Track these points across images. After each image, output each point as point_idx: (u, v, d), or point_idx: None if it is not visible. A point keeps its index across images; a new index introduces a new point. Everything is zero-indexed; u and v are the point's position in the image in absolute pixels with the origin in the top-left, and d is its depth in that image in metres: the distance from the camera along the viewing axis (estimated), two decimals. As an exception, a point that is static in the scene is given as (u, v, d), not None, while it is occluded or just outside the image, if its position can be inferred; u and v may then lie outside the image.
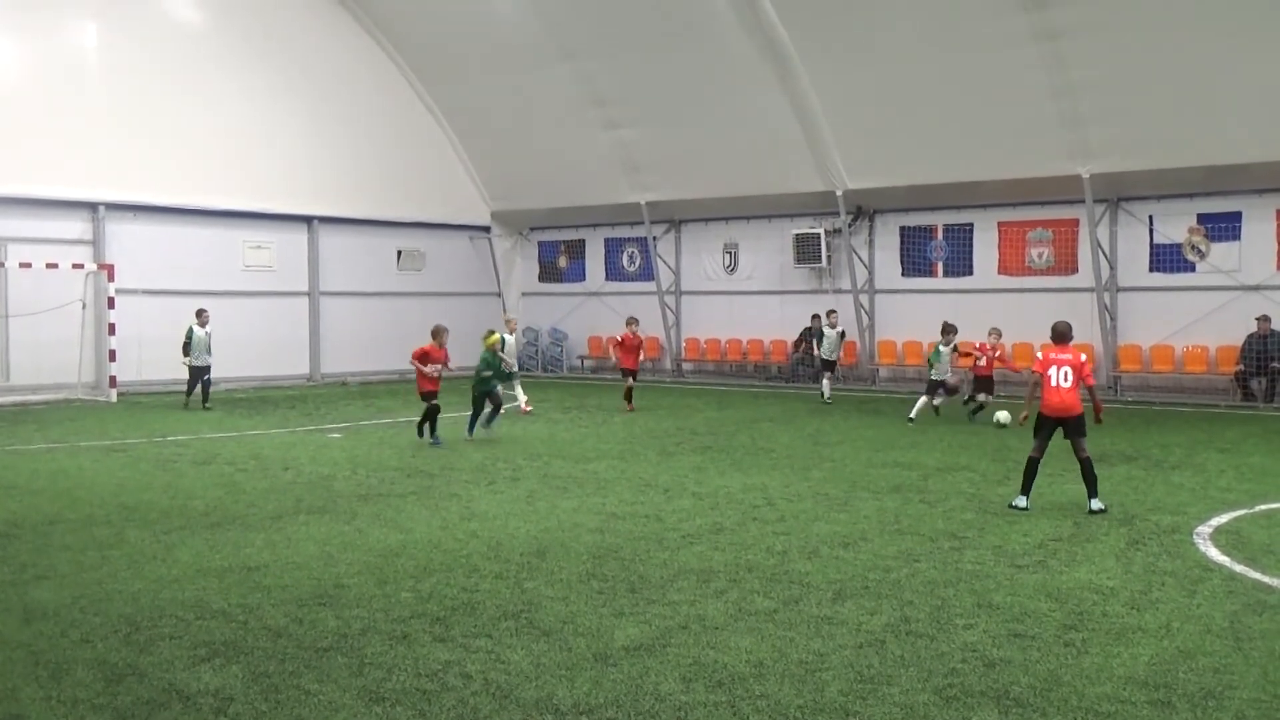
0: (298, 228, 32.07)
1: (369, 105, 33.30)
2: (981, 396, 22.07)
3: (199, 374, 24.17)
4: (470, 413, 19.17)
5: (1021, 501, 12.70)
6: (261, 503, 13.22)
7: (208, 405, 23.92)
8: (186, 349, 24.26)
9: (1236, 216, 25.10)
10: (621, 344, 24.63)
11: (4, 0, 26.85)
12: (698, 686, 7.01)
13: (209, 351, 24.40)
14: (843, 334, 26.49)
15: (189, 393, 24.25)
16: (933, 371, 22.09)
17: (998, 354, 22.79)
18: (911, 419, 21.36)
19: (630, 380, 24.32)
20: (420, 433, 18.63)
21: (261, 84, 31.01)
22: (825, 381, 25.89)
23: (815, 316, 30.55)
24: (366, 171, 33.14)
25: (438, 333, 18.91)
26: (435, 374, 18.46)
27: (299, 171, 31.68)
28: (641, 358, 25.11)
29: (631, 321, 25.10)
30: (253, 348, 29.64)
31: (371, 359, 32.60)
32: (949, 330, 22.15)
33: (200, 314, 24.73)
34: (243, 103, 30.54)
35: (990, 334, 22.61)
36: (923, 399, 21.99)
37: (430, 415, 18.37)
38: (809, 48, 27.00)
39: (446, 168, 35.47)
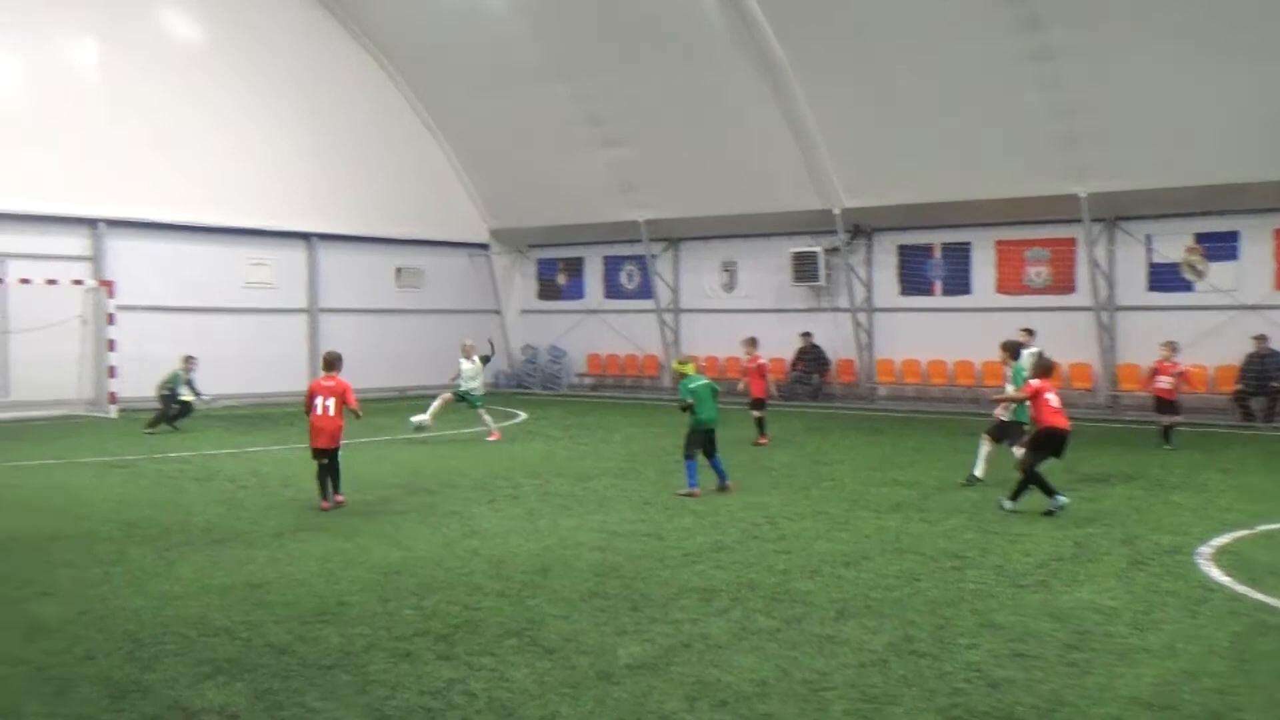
0: (297, 245, 32.12)
1: (368, 123, 33.40)
2: (1169, 420, 20.30)
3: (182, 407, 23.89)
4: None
5: (1062, 499, 13.12)
6: (263, 520, 13.23)
7: (160, 429, 23.39)
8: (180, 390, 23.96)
9: (1234, 236, 25.16)
10: (758, 370, 21.94)
11: (4, 17, 26.91)
12: (701, 705, 7.02)
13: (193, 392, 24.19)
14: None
15: (171, 418, 23.88)
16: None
17: (1181, 372, 20.74)
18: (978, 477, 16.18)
19: (760, 411, 21.66)
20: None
21: (261, 102, 31.11)
22: None
23: (805, 335, 30.66)
24: (366, 189, 33.21)
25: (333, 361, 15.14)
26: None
27: (299, 189, 31.76)
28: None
29: (753, 342, 22.70)
30: (252, 364, 29.63)
31: (371, 376, 32.48)
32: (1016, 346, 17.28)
33: (189, 359, 24.56)
34: (243, 120, 30.63)
35: (1164, 347, 20.73)
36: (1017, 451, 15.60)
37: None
38: (805, 67, 27.12)
39: (445, 185, 35.56)
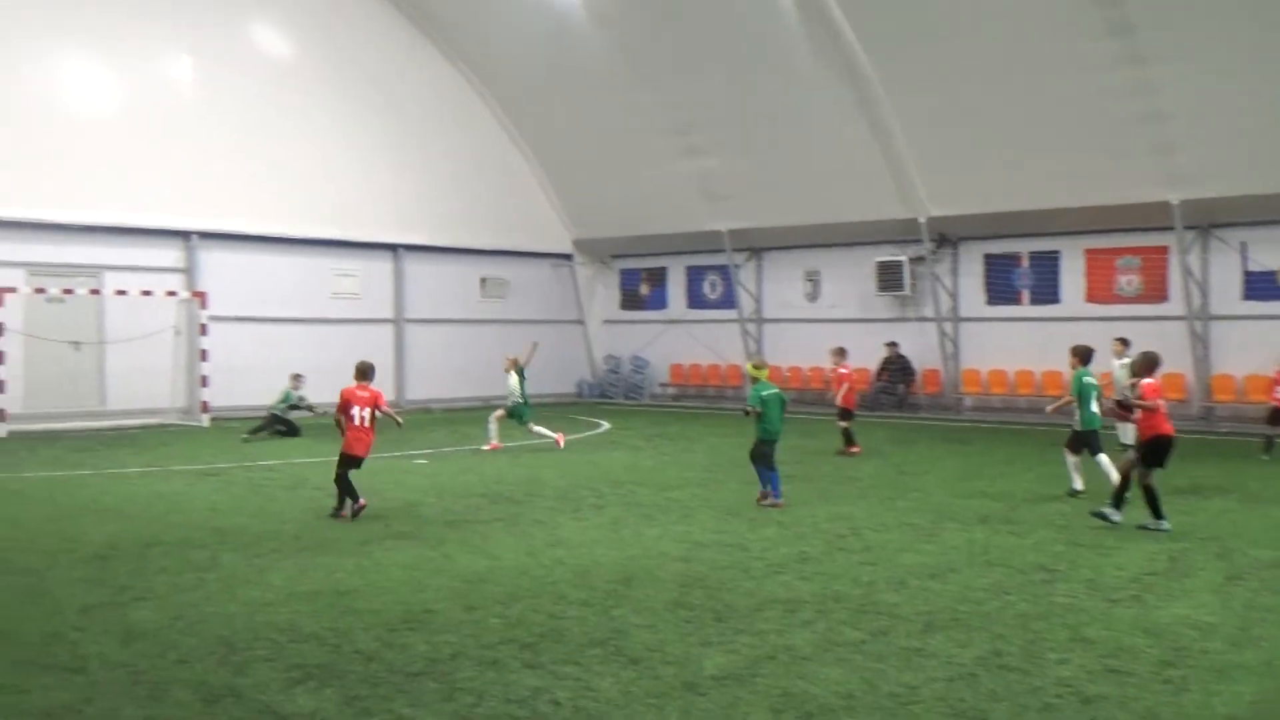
0: (383, 255, 32.55)
1: (454, 135, 33.79)
2: (1275, 431, 19.82)
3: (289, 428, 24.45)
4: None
5: (1166, 524, 12.90)
6: (350, 528, 13.40)
7: (259, 436, 23.86)
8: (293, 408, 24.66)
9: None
10: (849, 381, 21.56)
11: (103, 34, 27.63)
12: (787, 717, 6.98)
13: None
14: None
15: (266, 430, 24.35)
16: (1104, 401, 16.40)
17: None
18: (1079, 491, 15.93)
19: (848, 421, 21.38)
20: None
21: (349, 115, 31.60)
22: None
23: (891, 345, 30.41)
24: (451, 200, 33.60)
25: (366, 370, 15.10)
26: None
27: (385, 200, 32.21)
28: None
29: (842, 353, 22.27)
30: (338, 374, 29.67)
31: (455, 386, 32.92)
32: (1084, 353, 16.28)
33: (297, 377, 25.09)
34: (331, 133, 31.16)
35: None
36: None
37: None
38: (891, 75, 26.93)
39: (529, 196, 35.83)
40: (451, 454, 21.31)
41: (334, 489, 14.39)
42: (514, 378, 22.37)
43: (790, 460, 20.01)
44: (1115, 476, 13.98)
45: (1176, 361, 26.20)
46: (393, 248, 32.61)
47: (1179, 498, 15.52)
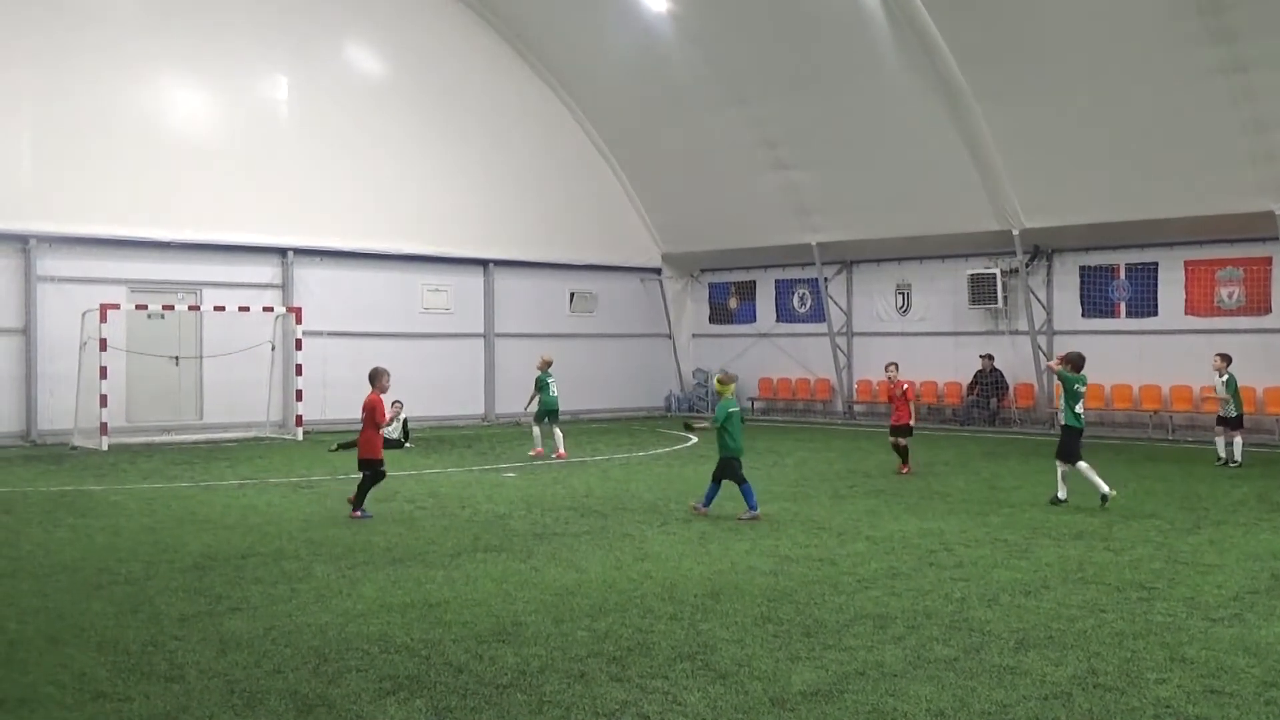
0: (474, 270, 32.87)
1: (542, 150, 34.06)
2: None
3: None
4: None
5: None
6: (440, 540, 13.52)
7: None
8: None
9: None
10: (905, 396, 20.58)
11: (202, 56, 28.31)
12: (877, 734, 6.90)
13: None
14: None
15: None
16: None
17: None
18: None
19: (904, 439, 20.47)
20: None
21: (439, 132, 32.00)
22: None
23: (986, 357, 30.01)
24: (541, 215, 33.86)
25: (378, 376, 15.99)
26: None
27: (475, 216, 32.55)
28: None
29: (892, 367, 21.52)
30: (429, 388, 30.35)
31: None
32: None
33: (396, 404, 25.39)
34: (422, 149, 31.59)
35: None
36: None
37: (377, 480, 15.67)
38: (983, 84, 26.58)
39: (618, 210, 35.98)
40: (540, 467, 21.42)
41: (419, 501, 14.65)
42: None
43: (879, 474, 19.87)
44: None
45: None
46: (483, 263, 32.92)
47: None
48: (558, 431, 23.23)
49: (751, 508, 15.09)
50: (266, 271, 29.11)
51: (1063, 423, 16.59)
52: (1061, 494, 16.30)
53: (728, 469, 15.32)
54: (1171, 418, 27.07)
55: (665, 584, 11.00)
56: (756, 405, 35.69)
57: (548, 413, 23.25)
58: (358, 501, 15.32)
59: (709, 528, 14.34)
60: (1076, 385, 16.46)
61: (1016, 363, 30.00)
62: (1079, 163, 26.40)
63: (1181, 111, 24.22)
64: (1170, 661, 8.35)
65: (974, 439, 26.64)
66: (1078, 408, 16.41)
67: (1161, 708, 7.33)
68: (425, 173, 31.64)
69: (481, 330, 33.09)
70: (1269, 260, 25.89)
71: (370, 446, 15.52)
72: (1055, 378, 17.02)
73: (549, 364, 23.76)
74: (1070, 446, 16.27)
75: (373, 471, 15.44)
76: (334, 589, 10.83)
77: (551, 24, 32.77)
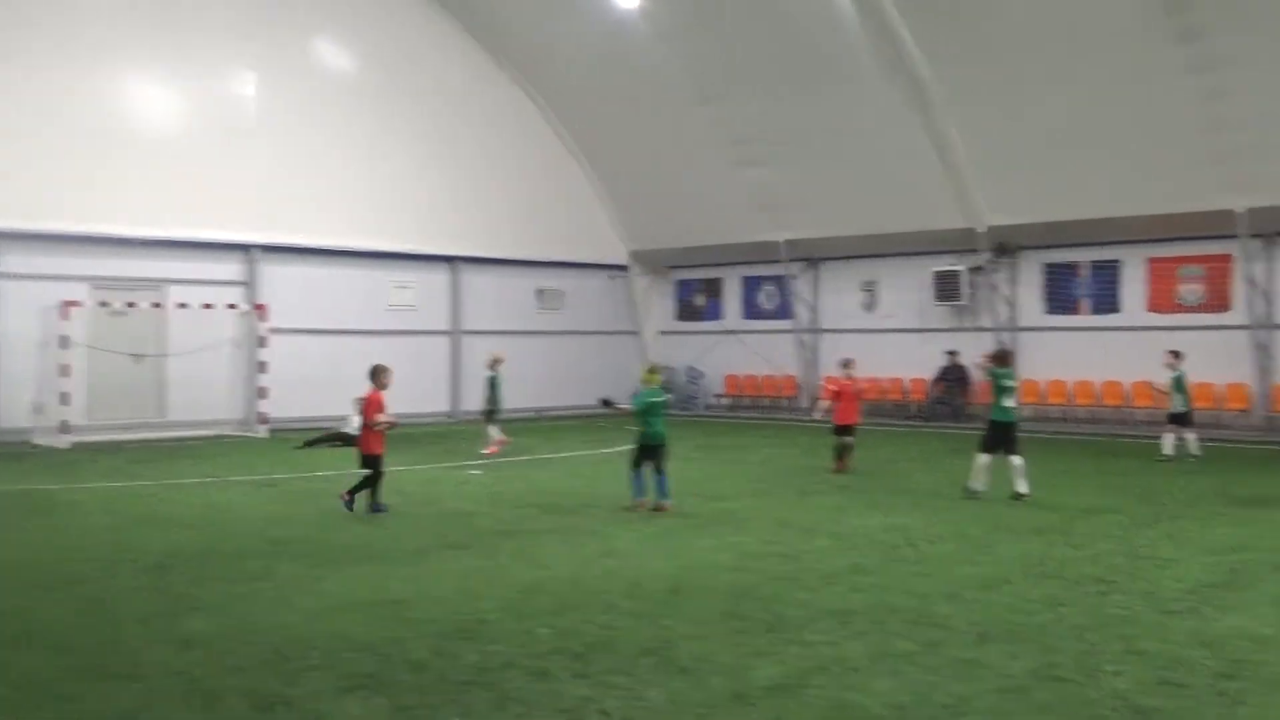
0: (441, 267, 32.77)
1: (511, 148, 33.98)
2: None
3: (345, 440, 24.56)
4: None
5: None
6: (404, 538, 13.48)
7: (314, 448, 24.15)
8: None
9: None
10: (839, 393, 20.25)
11: (167, 50, 28.04)
12: (836, 729, 6.95)
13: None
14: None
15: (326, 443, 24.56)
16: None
17: None
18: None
19: (848, 437, 20.04)
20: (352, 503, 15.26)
21: (407, 128, 31.85)
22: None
23: (950, 353, 30.16)
24: (508, 212, 33.76)
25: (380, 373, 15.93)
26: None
27: (442, 213, 32.42)
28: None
29: (848, 363, 21.03)
30: (395, 385, 30.08)
31: (511, 397, 32.99)
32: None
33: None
34: (389, 147, 31.44)
35: None
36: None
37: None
38: (950, 84, 26.78)
39: (586, 207, 35.95)
40: (505, 464, 21.40)
41: (402, 500, 14.79)
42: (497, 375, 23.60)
43: (845, 471, 19.90)
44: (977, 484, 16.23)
45: (1239, 371, 25.84)
46: (450, 259, 32.82)
47: (1240, 508, 15.32)
48: (495, 429, 23.37)
49: (662, 496, 15.32)
50: (231, 268, 28.88)
51: (990, 417, 16.87)
52: (977, 485, 16.52)
53: (647, 455, 15.53)
54: (1133, 413, 27.29)
55: (629, 581, 11.01)
56: (723, 401, 35.75)
57: (493, 410, 23.42)
58: (353, 491, 15.22)
59: (674, 524, 14.36)
60: (1003, 380, 16.86)
61: (981, 359, 30.10)
62: (1043, 161, 26.61)
63: (1145, 110, 24.48)
64: (1126, 654, 8.43)
65: (938, 435, 26.78)
66: (1005, 402, 16.75)
67: (1117, 699, 7.41)
68: (392, 169, 31.51)
69: (448, 327, 33.00)
70: (1229, 258, 26.14)
71: (370, 443, 15.44)
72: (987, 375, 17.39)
73: (500, 361, 23.75)
74: (991, 438, 16.60)
75: (374, 469, 15.33)
76: (296, 587, 10.79)
77: (521, 20, 32.64)
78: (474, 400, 31.90)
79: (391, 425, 15.57)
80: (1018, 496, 16.15)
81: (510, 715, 7.20)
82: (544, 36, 32.54)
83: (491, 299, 33.73)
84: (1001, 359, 17.38)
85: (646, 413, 15.66)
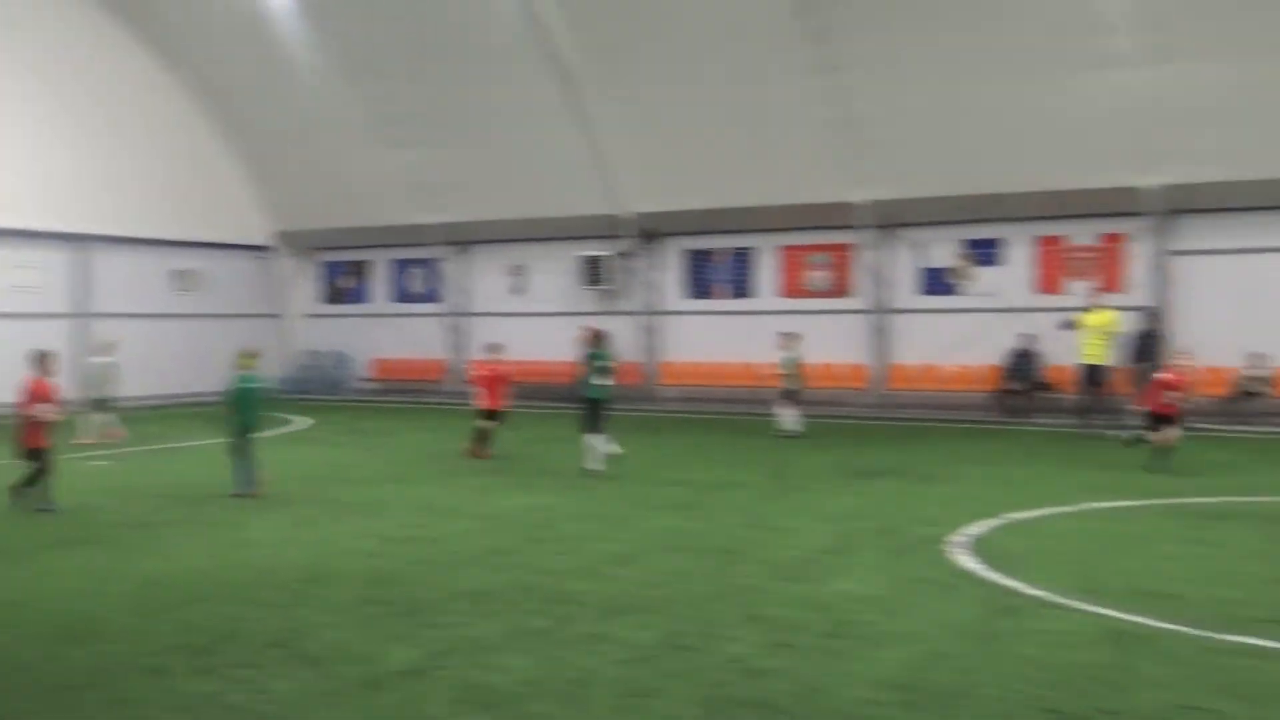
0: (64, 246, 30.65)
1: (147, 122, 32.09)
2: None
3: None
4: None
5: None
6: (19, 535, 12.63)
7: None
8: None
9: (995, 243, 26.45)
10: (486, 378, 20.03)
11: None
12: (467, 708, 7.02)
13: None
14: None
15: None
16: None
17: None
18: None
19: (493, 422, 19.83)
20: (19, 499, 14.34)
21: (28, 98, 29.44)
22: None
23: (584, 329, 30.75)
24: (141, 190, 31.89)
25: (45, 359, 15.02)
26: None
27: (68, 189, 30.28)
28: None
29: (495, 348, 20.96)
30: (12, 373, 28.07)
31: (143, 383, 31.28)
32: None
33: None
34: (5, 118, 29.06)
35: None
36: None
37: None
38: (596, 71, 27.38)
39: (227, 187, 34.45)
40: (136, 454, 20.32)
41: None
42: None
43: (496, 453, 19.99)
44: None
45: (859, 352, 27.72)
46: (77, 238, 30.75)
47: (856, 480, 16.45)
48: (105, 418, 22.49)
49: (242, 485, 15.04)
50: None
51: (586, 395, 17.64)
52: (596, 465, 17.14)
53: (235, 446, 15.21)
54: (766, 393, 28.71)
55: (262, 570, 10.72)
56: (371, 386, 35.21)
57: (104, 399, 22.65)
58: (17, 488, 14.25)
59: (314, 511, 14.05)
60: (595, 360, 17.77)
61: (628, 343, 30.96)
62: (684, 152, 27.63)
63: (777, 107, 25.90)
64: (746, 620, 8.92)
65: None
66: (600, 380, 17.60)
67: (734, 663, 7.84)
68: (10, 141, 29.17)
69: (73, 309, 30.93)
70: (849, 247, 27.99)
71: (34, 435, 14.24)
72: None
73: (114, 346, 22.82)
74: (591, 416, 17.38)
75: (42, 463, 14.26)
76: (-113, 592, 9.90)
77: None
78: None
79: (58, 417, 14.51)
80: (591, 472, 16.86)
81: (123, 718, 6.88)
82: (183, 5, 30.97)
83: (124, 280, 31.84)
84: (597, 339, 18.31)
85: (239, 400, 15.17)
